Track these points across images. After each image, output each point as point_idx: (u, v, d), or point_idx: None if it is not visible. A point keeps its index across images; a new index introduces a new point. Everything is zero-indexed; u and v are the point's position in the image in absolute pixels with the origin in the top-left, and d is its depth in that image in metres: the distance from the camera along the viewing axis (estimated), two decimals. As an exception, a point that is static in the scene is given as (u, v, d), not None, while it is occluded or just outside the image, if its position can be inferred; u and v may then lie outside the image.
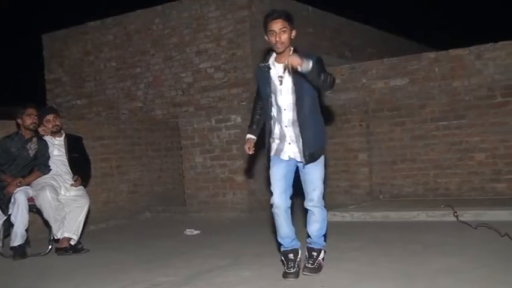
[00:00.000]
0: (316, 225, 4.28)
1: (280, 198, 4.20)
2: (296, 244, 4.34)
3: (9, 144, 5.92)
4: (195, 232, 6.80)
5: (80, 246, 5.92)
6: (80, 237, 5.98)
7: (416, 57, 8.40)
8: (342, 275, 4.21)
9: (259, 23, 8.98)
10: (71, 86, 11.76)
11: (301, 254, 4.35)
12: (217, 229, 7.07)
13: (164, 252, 5.68)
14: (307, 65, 3.80)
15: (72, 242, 5.88)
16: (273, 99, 4.21)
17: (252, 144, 4.44)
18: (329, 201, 8.36)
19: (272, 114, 4.25)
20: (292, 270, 4.19)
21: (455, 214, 6.24)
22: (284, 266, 4.26)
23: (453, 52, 8.08)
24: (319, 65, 4.03)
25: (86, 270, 5.00)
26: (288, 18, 4.06)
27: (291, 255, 4.26)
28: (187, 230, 6.88)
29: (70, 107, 11.67)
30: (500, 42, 7.76)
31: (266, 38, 4.14)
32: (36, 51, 12.67)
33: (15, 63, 20.72)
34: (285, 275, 4.18)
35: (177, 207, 8.85)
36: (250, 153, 4.43)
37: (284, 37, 4.02)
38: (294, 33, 4.11)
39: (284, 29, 4.02)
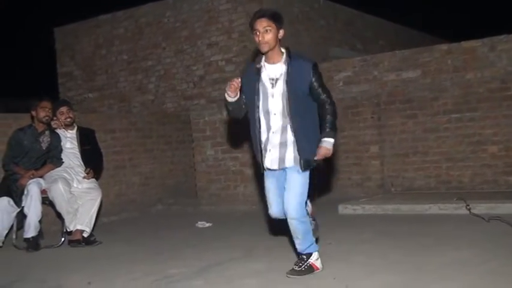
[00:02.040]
0: (296, 241, 4.12)
1: (277, 210, 4.14)
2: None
3: (22, 136, 5.97)
4: (207, 225, 6.83)
5: (92, 238, 5.98)
6: (92, 230, 6.04)
7: (428, 49, 8.36)
8: (353, 267, 4.22)
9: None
10: (83, 79, 11.83)
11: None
12: (229, 222, 7.09)
13: (175, 244, 5.72)
14: (331, 146, 3.95)
15: (85, 234, 5.95)
16: (260, 103, 4.01)
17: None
18: (340, 194, 8.48)
19: (258, 119, 4.03)
20: (298, 269, 4.11)
21: (468, 207, 6.21)
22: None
23: (466, 44, 8.03)
24: (316, 73, 3.95)
25: (99, 262, 5.05)
26: (274, 17, 3.91)
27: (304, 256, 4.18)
28: (198, 222, 6.91)
29: (82, 100, 11.73)
30: (514, 34, 7.71)
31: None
32: (48, 44, 12.75)
33: (27, 56, 20.87)
34: (289, 271, 4.12)
35: (188, 200, 8.89)
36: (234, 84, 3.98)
37: (268, 37, 3.89)
38: (281, 33, 3.95)
39: (268, 28, 3.87)
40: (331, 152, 3.97)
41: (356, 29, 11.70)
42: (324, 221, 6.54)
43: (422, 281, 3.72)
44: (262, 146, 4.07)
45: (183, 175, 9.46)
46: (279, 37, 3.96)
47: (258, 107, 4.02)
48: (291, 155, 4.00)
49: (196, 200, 8.73)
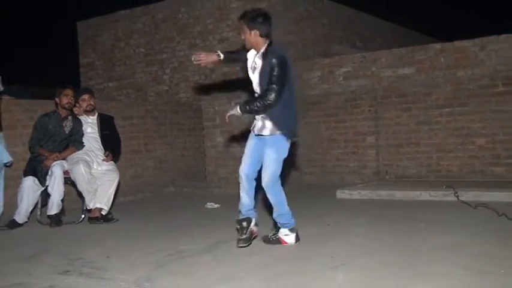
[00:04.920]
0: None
1: (247, 169, 4.56)
2: (251, 214, 4.42)
3: (47, 121, 5.97)
4: (215, 206, 6.83)
5: (110, 216, 5.99)
6: (110, 208, 6.05)
7: (423, 48, 8.29)
8: (350, 247, 4.21)
9: (278, 14, 8.90)
10: (103, 69, 11.80)
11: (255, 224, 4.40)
12: (236, 203, 7.02)
13: (186, 223, 5.73)
14: (236, 112, 4.37)
15: (103, 212, 5.96)
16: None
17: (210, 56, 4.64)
18: (338, 181, 8.50)
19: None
20: (243, 236, 4.25)
21: (456, 194, 6.19)
22: (238, 234, 4.31)
23: (458, 44, 7.96)
24: (278, 65, 4.14)
25: (116, 238, 5.06)
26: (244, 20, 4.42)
27: (244, 223, 4.32)
28: (208, 203, 6.91)
29: (102, 89, 11.71)
30: (503, 35, 7.62)
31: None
32: (71, 37, 12.74)
33: (53, 48, 20.85)
34: (238, 242, 4.25)
35: (198, 183, 8.89)
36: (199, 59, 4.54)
37: (243, 37, 4.44)
38: (253, 33, 4.39)
39: (241, 30, 4.40)
40: (228, 114, 4.52)
41: (356, 28, 11.61)
42: (322, 204, 6.58)
43: (415, 261, 3.71)
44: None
45: (194, 160, 9.46)
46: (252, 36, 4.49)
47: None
48: None
49: (206, 183, 8.72)
